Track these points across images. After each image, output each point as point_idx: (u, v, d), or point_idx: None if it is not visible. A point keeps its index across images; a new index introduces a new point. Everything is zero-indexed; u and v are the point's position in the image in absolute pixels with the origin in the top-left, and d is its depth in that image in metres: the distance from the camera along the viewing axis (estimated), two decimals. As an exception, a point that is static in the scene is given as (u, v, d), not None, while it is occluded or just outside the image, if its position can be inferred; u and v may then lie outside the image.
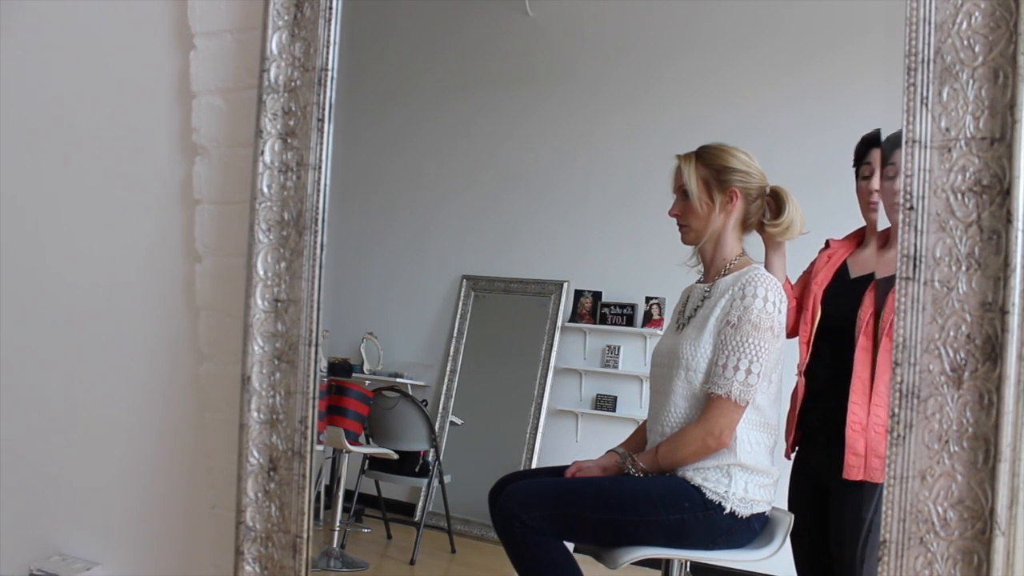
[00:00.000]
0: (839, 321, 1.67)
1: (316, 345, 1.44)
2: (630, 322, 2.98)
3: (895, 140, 1.63)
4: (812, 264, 1.83)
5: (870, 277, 1.69)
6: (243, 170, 1.52)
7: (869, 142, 1.75)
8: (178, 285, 1.67)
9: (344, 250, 3.19)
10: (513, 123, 3.24)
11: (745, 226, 1.72)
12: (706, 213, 1.69)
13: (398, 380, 3.24)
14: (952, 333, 1.08)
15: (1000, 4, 1.07)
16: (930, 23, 1.10)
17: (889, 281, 1.62)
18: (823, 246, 1.85)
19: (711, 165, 1.69)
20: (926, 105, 1.10)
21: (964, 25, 1.09)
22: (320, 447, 2.62)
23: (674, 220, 1.74)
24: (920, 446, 1.08)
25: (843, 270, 1.77)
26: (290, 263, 1.45)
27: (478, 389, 3.25)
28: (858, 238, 1.81)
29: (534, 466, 2.97)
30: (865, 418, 1.61)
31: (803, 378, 1.74)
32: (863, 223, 1.79)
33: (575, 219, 3.09)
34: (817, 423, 1.65)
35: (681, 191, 1.71)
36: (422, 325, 3.46)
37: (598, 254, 3.10)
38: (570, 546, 1.59)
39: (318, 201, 1.44)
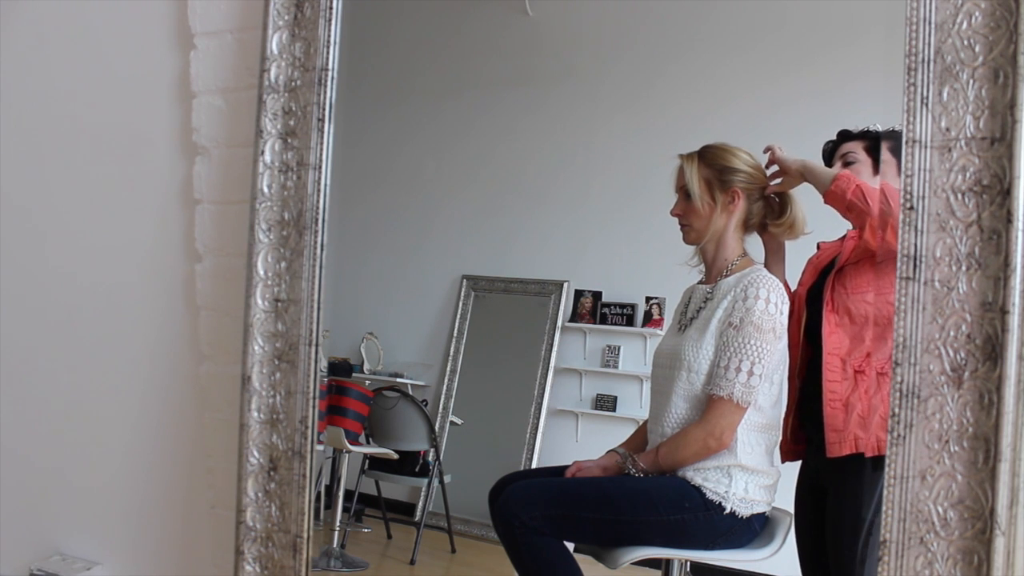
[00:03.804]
0: (819, 314, 1.68)
1: (316, 345, 1.44)
2: (630, 322, 2.98)
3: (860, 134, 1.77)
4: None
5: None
6: (243, 170, 1.52)
7: (841, 139, 1.81)
8: (178, 285, 1.67)
9: (344, 250, 3.19)
10: (513, 123, 3.24)
11: (747, 226, 1.72)
12: (708, 213, 1.68)
13: (398, 380, 3.24)
14: (952, 333, 1.08)
15: (1000, 4, 1.07)
16: (930, 23, 1.10)
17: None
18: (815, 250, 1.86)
19: (713, 165, 1.69)
20: (926, 105, 1.10)
21: (964, 25, 1.09)
22: (320, 447, 2.62)
23: (675, 220, 1.74)
24: (920, 446, 1.08)
25: (828, 267, 1.78)
26: (290, 263, 1.45)
27: (478, 389, 3.25)
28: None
29: (534, 466, 2.97)
30: (845, 393, 1.61)
31: (797, 381, 1.75)
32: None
33: (575, 219, 3.09)
34: (816, 425, 1.66)
35: (683, 191, 1.71)
36: (422, 325, 3.46)
37: (598, 254, 3.10)
38: (570, 546, 1.59)
39: (318, 201, 1.44)
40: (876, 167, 1.74)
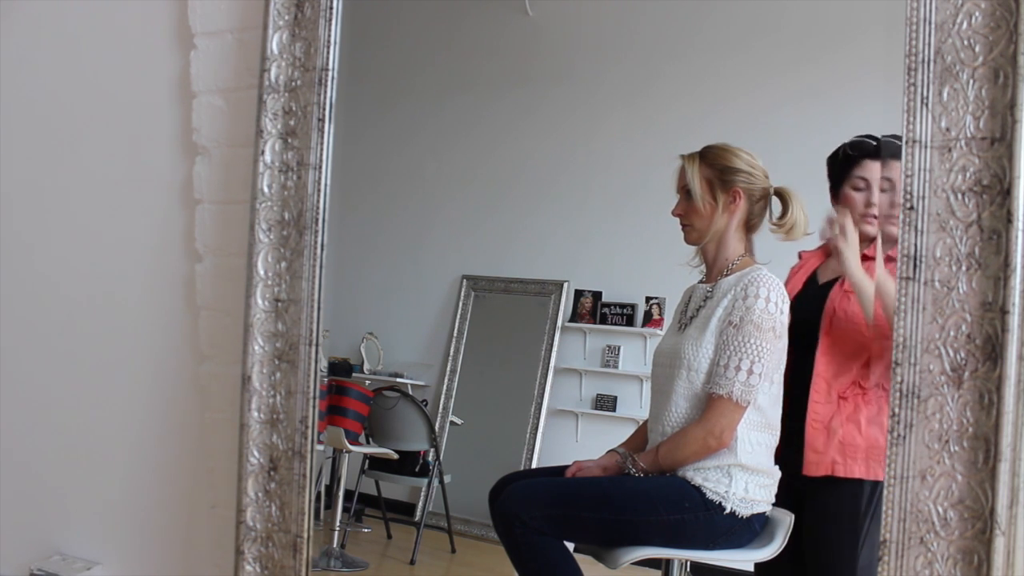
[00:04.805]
0: (808, 326, 1.69)
1: (316, 345, 1.44)
2: (630, 322, 2.98)
3: (893, 151, 1.62)
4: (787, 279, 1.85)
5: (835, 280, 1.71)
6: (243, 170, 1.52)
7: (863, 154, 1.72)
8: (178, 285, 1.67)
9: (344, 250, 3.19)
10: (513, 123, 3.23)
11: (748, 226, 1.72)
12: (709, 213, 1.69)
13: (398, 380, 3.23)
14: (952, 333, 1.08)
15: (1000, 4, 1.07)
16: (930, 23, 1.10)
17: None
18: (797, 259, 1.86)
19: (715, 165, 1.69)
20: (926, 105, 1.10)
21: (964, 25, 1.09)
22: (320, 447, 2.62)
23: (675, 219, 1.74)
24: (920, 446, 1.08)
25: (812, 277, 1.78)
26: (290, 263, 1.45)
27: (478, 389, 3.25)
28: (829, 248, 1.81)
29: (534, 466, 2.96)
30: (827, 415, 1.62)
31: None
32: None
33: (575, 219, 3.09)
34: (796, 427, 1.66)
35: (684, 191, 1.72)
36: (422, 325, 3.46)
37: (598, 254, 3.10)
38: (570, 546, 1.59)
39: (318, 201, 1.44)
40: None
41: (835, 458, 1.62)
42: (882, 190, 1.67)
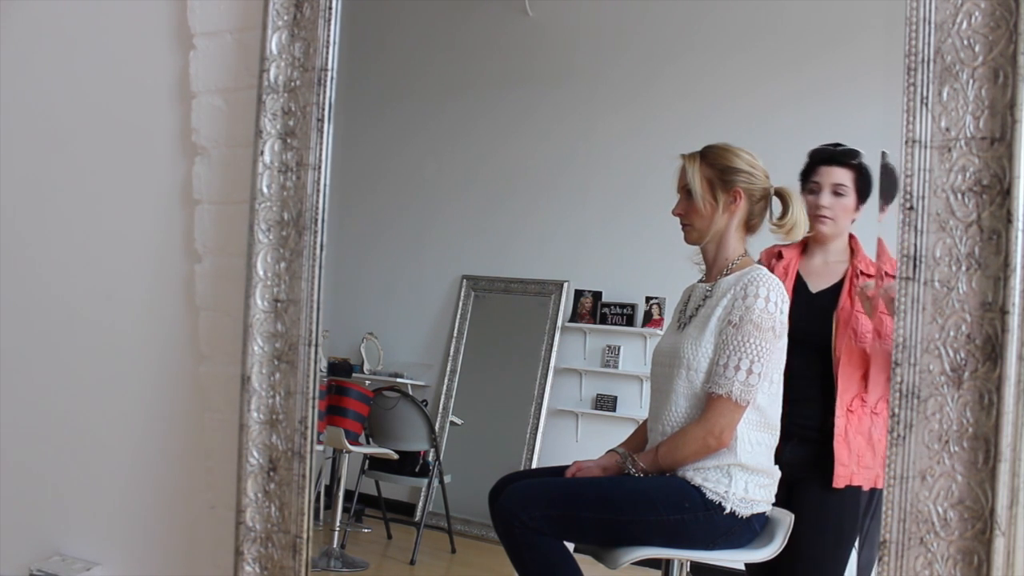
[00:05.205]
0: (810, 336, 1.71)
1: (316, 345, 1.44)
2: (630, 322, 2.98)
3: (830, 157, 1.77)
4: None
5: (830, 291, 1.77)
6: (243, 170, 1.52)
7: (816, 159, 1.82)
8: (178, 285, 1.67)
9: (344, 250, 3.19)
10: (513, 123, 3.23)
11: (748, 227, 1.72)
12: (709, 213, 1.69)
13: (398, 380, 3.23)
14: (952, 333, 1.08)
15: (1000, 4, 1.07)
16: (930, 23, 1.10)
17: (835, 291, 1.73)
18: (776, 255, 1.87)
19: (715, 165, 1.69)
20: (926, 105, 1.10)
21: (964, 25, 1.09)
22: (320, 447, 2.62)
23: (675, 219, 1.75)
24: (920, 446, 1.08)
25: (801, 283, 1.81)
26: (290, 263, 1.45)
27: (478, 389, 3.25)
28: (802, 244, 1.86)
29: (534, 466, 2.97)
30: (843, 428, 1.68)
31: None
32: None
33: (575, 219, 3.09)
34: (789, 428, 1.67)
35: (685, 190, 1.72)
36: (422, 325, 3.46)
37: (598, 254, 3.10)
38: (570, 546, 1.59)
39: (318, 201, 1.44)
40: (859, 202, 1.76)
41: (855, 469, 1.67)
42: (836, 194, 1.78)
